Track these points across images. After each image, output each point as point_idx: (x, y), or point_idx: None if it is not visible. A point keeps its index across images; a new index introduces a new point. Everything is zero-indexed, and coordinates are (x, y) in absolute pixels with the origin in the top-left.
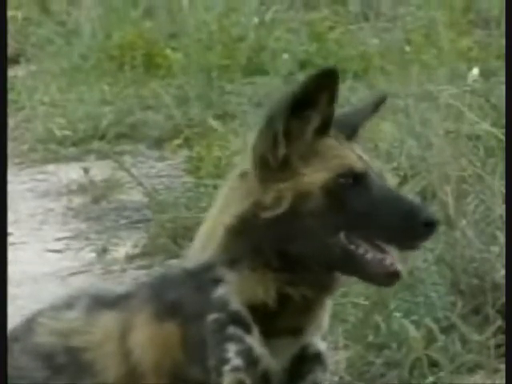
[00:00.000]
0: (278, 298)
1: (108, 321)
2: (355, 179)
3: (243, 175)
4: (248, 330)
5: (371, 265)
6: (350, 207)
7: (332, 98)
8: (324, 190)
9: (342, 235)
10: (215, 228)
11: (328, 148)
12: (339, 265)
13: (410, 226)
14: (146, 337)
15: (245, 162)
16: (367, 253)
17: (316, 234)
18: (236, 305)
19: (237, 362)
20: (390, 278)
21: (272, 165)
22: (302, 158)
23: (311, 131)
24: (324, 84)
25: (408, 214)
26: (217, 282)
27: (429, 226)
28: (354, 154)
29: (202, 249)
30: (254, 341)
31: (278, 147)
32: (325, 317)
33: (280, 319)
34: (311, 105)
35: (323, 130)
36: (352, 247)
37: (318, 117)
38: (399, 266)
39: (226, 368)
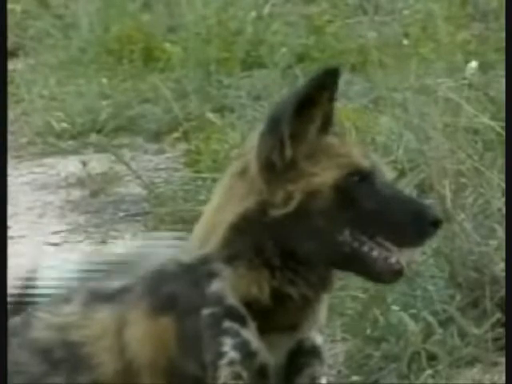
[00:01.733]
0: (276, 295)
1: (105, 315)
2: (362, 177)
3: (242, 173)
4: (244, 324)
5: (377, 263)
6: (358, 205)
7: (333, 96)
8: (334, 188)
9: (347, 233)
10: (216, 224)
11: (332, 146)
12: (345, 263)
13: (419, 224)
14: (141, 332)
15: (243, 159)
16: (372, 250)
17: (323, 232)
18: (231, 299)
19: (233, 355)
20: (394, 275)
21: (278, 166)
22: (307, 157)
23: (315, 130)
24: (327, 83)
25: (417, 213)
26: (212, 276)
27: (435, 225)
28: (358, 151)
29: (200, 244)
30: (250, 334)
31: (285, 149)
32: (322, 311)
33: (277, 316)
34: (314, 104)
35: (325, 128)
36: (356, 245)
37: (320, 115)
38: (403, 264)
39: (223, 362)
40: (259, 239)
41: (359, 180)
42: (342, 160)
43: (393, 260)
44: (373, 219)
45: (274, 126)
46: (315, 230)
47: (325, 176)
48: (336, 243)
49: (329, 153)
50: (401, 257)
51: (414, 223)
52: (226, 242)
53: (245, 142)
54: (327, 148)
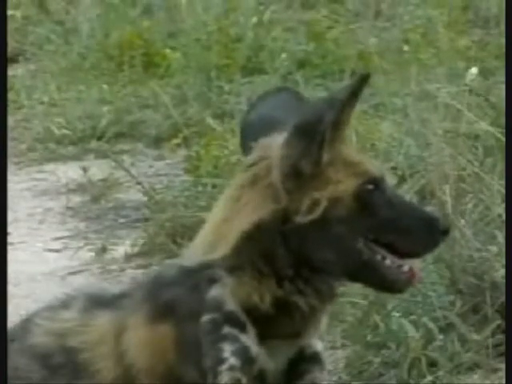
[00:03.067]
0: (281, 304)
1: (103, 321)
2: (375, 185)
3: (253, 183)
4: (243, 330)
5: (390, 271)
6: (373, 213)
7: (356, 102)
8: (354, 196)
9: (361, 242)
10: (225, 233)
11: (345, 154)
12: (358, 272)
13: (431, 233)
14: (140, 338)
15: (252, 170)
16: (385, 259)
17: (342, 240)
18: (231, 305)
19: (233, 361)
20: (407, 283)
21: (306, 173)
22: (330, 164)
23: (341, 137)
24: (361, 88)
25: (429, 222)
26: (213, 281)
27: (445, 233)
28: (368, 160)
29: (205, 251)
30: (250, 340)
31: (322, 154)
32: (324, 319)
33: (280, 324)
34: (347, 110)
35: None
36: (370, 254)
37: (347, 122)
38: (417, 271)
39: (223, 368)
40: (271, 248)
41: (373, 188)
42: (358, 168)
43: (406, 268)
44: (388, 227)
45: (309, 131)
46: (334, 238)
47: (347, 183)
48: (354, 251)
49: (346, 160)
50: (414, 264)
51: (427, 232)
52: (236, 250)
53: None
54: (342, 155)
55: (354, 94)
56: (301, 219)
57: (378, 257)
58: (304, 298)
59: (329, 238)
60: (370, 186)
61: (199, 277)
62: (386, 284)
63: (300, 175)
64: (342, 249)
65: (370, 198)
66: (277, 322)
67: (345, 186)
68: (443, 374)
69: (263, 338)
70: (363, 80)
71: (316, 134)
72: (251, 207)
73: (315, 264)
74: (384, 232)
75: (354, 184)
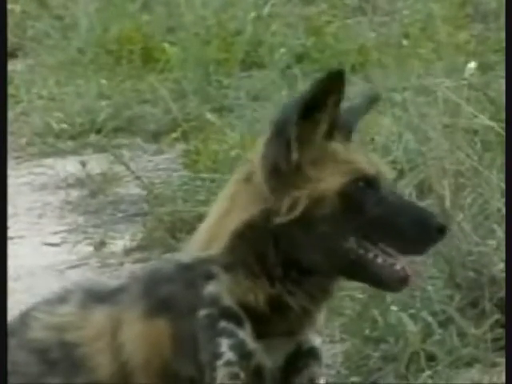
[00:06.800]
0: (275, 304)
1: (100, 316)
2: (367, 183)
3: (247, 180)
4: (240, 325)
5: (382, 270)
6: (364, 211)
7: (339, 101)
8: (339, 195)
9: (352, 240)
10: (219, 230)
11: (337, 152)
12: (350, 270)
13: (423, 232)
14: (137, 333)
15: (248, 166)
16: (377, 257)
17: (329, 239)
18: (227, 300)
19: (230, 355)
20: (400, 283)
21: (284, 172)
22: (313, 162)
23: (321, 135)
24: (332, 87)
25: (422, 220)
26: (209, 277)
27: (441, 232)
28: (363, 158)
29: (202, 247)
30: (247, 335)
31: (291, 153)
32: (321, 315)
33: (275, 322)
34: (320, 108)
35: (331, 133)
36: (362, 252)
37: (327, 120)
38: (410, 271)
39: (220, 362)
40: (262, 248)
41: (364, 186)
42: (348, 166)
43: (398, 267)
44: (378, 226)
45: (279, 129)
46: (320, 237)
47: (330, 182)
48: (342, 250)
49: (334, 158)
50: (406, 264)
51: (419, 230)
52: (228, 248)
53: (242, 143)
54: (332, 154)
55: (323, 90)
56: (280, 219)
57: (370, 255)
58: (295, 298)
59: (314, 238)
60: (360, 184)
61: (196, 273)
62: (380, 282)
63: (280, 173)
64: (327, 248)
65: (359, 196)
66: (272, 321)
67: (327, 184)
68: (442, 369)
69: (260, 336)
70: (333, 77)
71: (283, 132)
72: (243, 205)
73: (304, 265)
74: (373, 230)
75: (339, 182)
